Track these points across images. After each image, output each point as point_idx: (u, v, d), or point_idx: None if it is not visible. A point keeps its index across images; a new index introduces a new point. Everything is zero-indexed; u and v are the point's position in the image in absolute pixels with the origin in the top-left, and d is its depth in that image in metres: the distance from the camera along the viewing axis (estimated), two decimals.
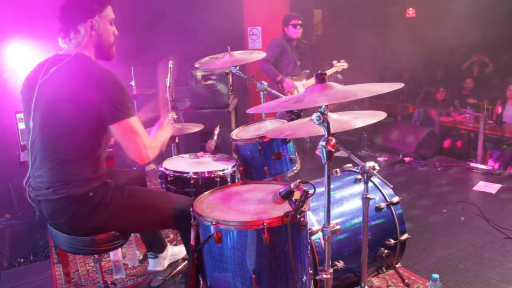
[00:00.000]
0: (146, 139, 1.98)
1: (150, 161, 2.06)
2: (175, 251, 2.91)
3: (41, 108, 1.90)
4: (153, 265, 2.77)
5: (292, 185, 1.71)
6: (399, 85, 1.72)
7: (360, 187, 2.41)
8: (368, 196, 2.00)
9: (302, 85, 4.97)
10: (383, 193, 2.40)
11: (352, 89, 1.75)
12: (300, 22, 4.86)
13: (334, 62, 4.99)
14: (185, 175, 2.50)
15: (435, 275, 2.23)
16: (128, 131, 1.92)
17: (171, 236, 3.42)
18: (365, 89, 1.75)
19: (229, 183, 2.53)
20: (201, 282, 1.91)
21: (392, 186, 2.20)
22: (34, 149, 1.95)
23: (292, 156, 2.63)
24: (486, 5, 6.78)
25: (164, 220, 2.14)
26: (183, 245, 2.96)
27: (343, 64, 4.98)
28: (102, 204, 1.97)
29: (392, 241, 2.35)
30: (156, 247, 2.75)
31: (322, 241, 2.08)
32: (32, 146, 1.96)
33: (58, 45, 2.03)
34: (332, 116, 1.97)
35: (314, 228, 2.02)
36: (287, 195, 1.73)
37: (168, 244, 2.88)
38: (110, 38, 2.05)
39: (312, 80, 4.59)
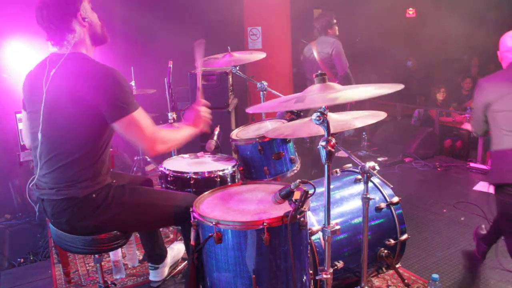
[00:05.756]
0: (152, 131, 1.92)
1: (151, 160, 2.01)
2: (175, 253, 2.90)
3: (45, 111, 1.89)
4: (153, 276, 2.73)
5: (292, 185, 1.71)
6: (399, 86, 1.71)
7: (360, 187, 2.41)
8: (368, 196, 2.00)
9: None
10: (383, 193, 2.40)
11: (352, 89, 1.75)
12: None
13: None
14: (185, 175, 2.50)
15: (435, 275, 2.23)
16: (131, 126, 1.88)
17: (171, 236, 3.42)
18: (365, 90, 1.75)
19: (229, 183, 2.53)
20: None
21: (392, 186, 2.20)
22: (40, 150, 1.94)
23: (292, 156, 2.63)
24: (486, 5, 6.78)
25: (165, 218, 2.14)
26: (182, 242, 2.96)
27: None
28: (104, 205, 1.96)
29: (392, 241, 2.35)
30: (156, 257, 2.71)
31: (322, 241, 2.07)
32: (37, 147, 1.95)
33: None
34: (332, 116, 1.97)
35: (314, 228, 2.02)
36: (287, 195, 1.73)
37: (168, 249, 2.82)
38: (97, 20, 2.02)
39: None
